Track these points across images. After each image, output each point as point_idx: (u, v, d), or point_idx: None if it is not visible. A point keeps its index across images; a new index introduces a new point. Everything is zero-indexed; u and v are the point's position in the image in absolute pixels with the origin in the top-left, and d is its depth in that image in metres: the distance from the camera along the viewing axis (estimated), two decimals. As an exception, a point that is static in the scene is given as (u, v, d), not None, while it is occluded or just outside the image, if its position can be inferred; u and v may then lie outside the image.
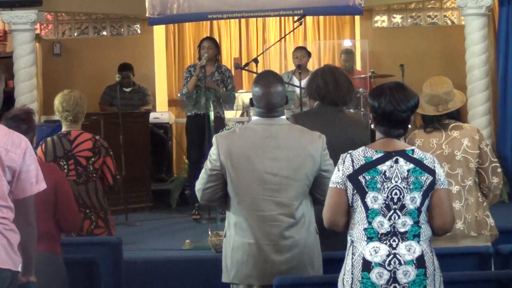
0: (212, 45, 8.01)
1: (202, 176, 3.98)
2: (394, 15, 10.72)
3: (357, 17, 10.80)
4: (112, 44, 10.84)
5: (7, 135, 3.52)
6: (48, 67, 10.61)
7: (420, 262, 3.34)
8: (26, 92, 9.29)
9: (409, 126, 3.51)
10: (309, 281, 3.84)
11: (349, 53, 10.14)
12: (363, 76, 9.63)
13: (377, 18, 10.72)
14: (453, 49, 10.00)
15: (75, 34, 11.02)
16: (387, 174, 3.37)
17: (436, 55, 10.39)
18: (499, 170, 4.76)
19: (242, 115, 9.51)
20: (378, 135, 3.49)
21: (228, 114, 9.08)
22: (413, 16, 10.69)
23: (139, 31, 10.94)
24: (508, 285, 3.95)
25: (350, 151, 3.46)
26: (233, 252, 3.93)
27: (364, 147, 3.46)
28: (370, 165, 3.39)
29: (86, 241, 5.19)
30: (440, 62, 10.25)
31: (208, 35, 10.98)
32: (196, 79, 7.88)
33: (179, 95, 9.60)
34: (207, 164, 3.96)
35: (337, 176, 3.43)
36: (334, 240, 3.97)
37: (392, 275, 3.32)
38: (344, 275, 3.41)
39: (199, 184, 4.00)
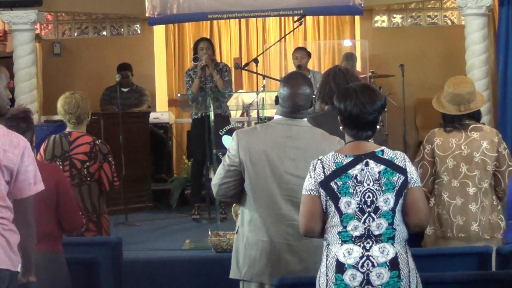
0: (209, 46, 8.09)
1: (219, 171, 3.98)
2: (394, 15, 10.72)
3: (357, 17, 10.80)
4: (112, 44, 10.84)
5: (5, 135, 3.52)
6: (48, 67, 10.60)
7: (393, 264, 3.32)
8: (26, 92, 9.29)
9: (378, 127, 3.50)
10: (309, 281, 3.83)
11: (349, 59, 10.08)
12: (363, 76, 9.62)
13: (377, 18, 10.72)
14: (453, 49, 9.99)
15: (75, 34, 11.02)
16: (358, 178, 3.36)
17: (436, 55, 10.39)
18: None
19: (242, 115, 9.52)
20: (347, 138, 3.47)
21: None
22: (413, 16, 10.69)
23: (139, 31, 10.94)
24: (508, 285, 3.95)
25: (320, 157, 3.45)
26: (246, 249, 3.93)
27: (333, 152, 3.44)
28: (341, 171, 3.37)
29: (86, 241, 5.19)
30: (440, 62, 10.25)
31: (208, 35, 10.99)
32: (199, 80, 7.90)
33: (179, 95, 9.64)
34: (225, 160, 3.96)
35: (309, 183, 3.42)
36: None
37: (366, 277, 3.31)
38: (319, 277, 3.41)
39: (215, 179, 3.99)
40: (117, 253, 5.13)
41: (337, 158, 3.40)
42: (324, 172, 3.38)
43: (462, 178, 4.70)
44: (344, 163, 3.38)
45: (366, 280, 3.31)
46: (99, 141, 5.57)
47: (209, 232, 6.32)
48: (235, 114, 9.34)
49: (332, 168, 3.38)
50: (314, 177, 3.40)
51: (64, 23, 11.01)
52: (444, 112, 4.77)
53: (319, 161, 3.42)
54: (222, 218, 7.52)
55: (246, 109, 8.72)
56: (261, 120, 7.46)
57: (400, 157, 3.40)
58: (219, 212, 7.17)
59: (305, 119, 4.00)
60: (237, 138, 3.94)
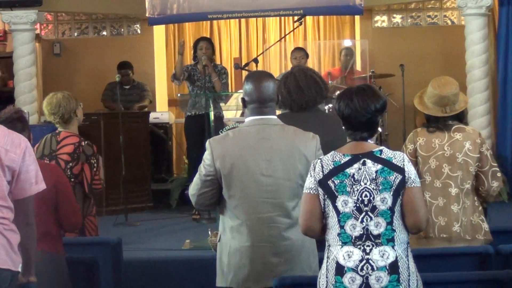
0: (208, 45, 8.12)
1: (196, 181, 3.95)
2: (394, 15, 10.72)
3: (357, 17, 10.79)
4: (112, 44, 10.84)
5: (7, 135, 3.52)
6: (48, 67, 10.60)
7: (393, 268, 3.32)
8: (26, 92, 9.30)
9: (380, 129, 3.51)
10: (309, 281, 3.83)
11: (349, 49, 10.16)
12: (363, 76, 9.62)
13: (377, 18, 10.72)
14: (453, 49, 9.99)
15: (75, 34, 11.02)
16: (355, 176, 3.37)
17: (436, 55, 10.39)
18: (499, 174, 4.75)
19: (242, 115, 9.52)
20: (347, 138, 3.50)
21: (228, 114, 9.09)
22: (413, 16, 10.69)
23: (139, 31, 10.94)
24: (508, 285, 3.95)
25: (320, 157, 3.48)
26: (230, 256, 3.90)
27: (333, 151, 3.47)
28: (338, 169, 3.39)
29: (86, 241, 5.18)
30: (440, 62, 10.25)
31: (208, 35, 10.99)
32: (181, 57, 8.00)
33: (179, 95, 9.65)
34: (201, 170, 3.92)
35: (310, 181, 3.44)
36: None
37: (365, 281, 3.31)
38: (320, 278, 3.43)
39: (193, 190, 3.97)
40: (117, 253, 5.12)
41: (335, 157, 3.42)
42: (322, 171, 3.40)
43: (444, 179, 4.70)
44: (342, 162, 3.40)
45: (366, 284, 3.31)
46: (86, 142, 5.48)
47: (209, 232, 6.31)
48: (235, 114, 9.34)
49: (330, 167, 3.40)
50: (314, 175, 3.42)
51: (64, 23, 11.00)
52: (429, 114, 4.77)
53: (319, 160, 3.44)
54: (222, 218, 7.51)
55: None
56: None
57: (398, 157, 3.41)
58: (219, 212, 7.16)
59: (275, 117, 3.98)
60: (211, 147, 3.91)
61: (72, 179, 5.37)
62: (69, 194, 4.56)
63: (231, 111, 8.67)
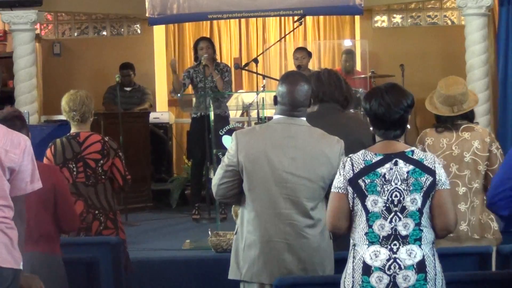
0: (209, 45, 8.11)
1: (219, 171, 4.00)
2: (394, 15, 10.72)
3: (357, 17, 10.80)
4: (112, 44, 10.84)
5: (6, 135, 3.51)
6: (48, 67, 10.61)
7: (420, 266, 3.33)
8: (26, 92, 9.29)
9: (408, 126, 3.51)
10: (309, 281, 3.83)
11: (349, 53, 10.13)
12: (363, 76, 9.62)
13: (377, 18, 10.72)
14: (453, 49, 10.00)
15: (75, 34, 11.02)
16: (386, 176, 3.37)
17: (436, 55, 10.39)
18: None
19: (242, 115, 9.52)
20: (377, 137, 3.49)
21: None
22: (413, 16, 10.69)
23: (139, 31, 10.95)
24: (508, 285, 3.95)
25: (350, 155, 3.47)
26: (246, 249, 3.92)
27: (364, 150, 3.46)
28: (369, 169, 3.39)
29: (86, 241, 5.18)
30: (440, 62, 10.26)
31: (208, 35, 10.99)
32: (176, 76, 8.02)
33: (179, 95, 9.63)
34: (224, 160, 3.97)
35: (339, 180, 3.44)
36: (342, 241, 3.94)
37: (392, 280, 3.32)
38: (345, 278, 3.42)
39: (215, 179, 4.01)
40: (117, 253, 5.12)
41: (366, 156, 3.42)
42: (353, 170, 3.40)
43: (452, 178, 4.69)
44: (373, 161, 3.40)
45: (393, 283, 3.32)
46: (107, 138, 5.55)
47: (209, 232, 6.33)
48: (235, 114, 9.34)
49: (361, 166, 3.40)
50: (344, 174, 3.42)
51: (64, 23, 11.01)
52: (437, 114, 4.78)
53: (348, 159, 3.44)
54: (222, 218, 7.52)
55: (246, 109, 8.72)
56: (261, 120, 7.46)
57: (430, 159, 3.41)
58: (219, 212, 7.17)
59: (304, 119, 4.00)
60: (236, 138, 3.95)
61: (103, 176, 5.39)
62: (67, 195, 4.55)
63: (231, 111, 8.66)
